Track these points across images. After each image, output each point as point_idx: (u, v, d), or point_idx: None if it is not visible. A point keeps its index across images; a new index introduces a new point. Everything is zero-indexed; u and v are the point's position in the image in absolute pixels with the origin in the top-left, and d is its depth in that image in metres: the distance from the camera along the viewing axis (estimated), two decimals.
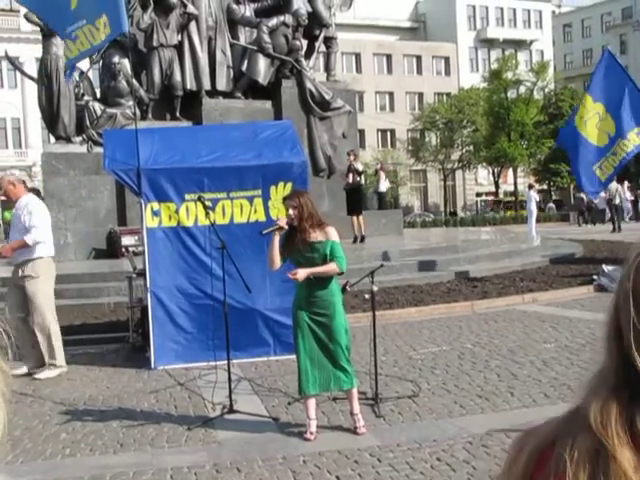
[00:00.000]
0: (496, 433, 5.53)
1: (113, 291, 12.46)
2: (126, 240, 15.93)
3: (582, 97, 14.16)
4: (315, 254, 5.59)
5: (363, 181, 18.80)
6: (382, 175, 23.22)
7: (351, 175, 18.05)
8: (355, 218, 17.94)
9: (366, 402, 6.27)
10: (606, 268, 12.79)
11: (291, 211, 5.61)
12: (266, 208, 8.41)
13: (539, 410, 6.09)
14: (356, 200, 18.07)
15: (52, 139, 18.58)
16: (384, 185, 23.13)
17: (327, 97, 19.78)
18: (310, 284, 5.57)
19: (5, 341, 0.92)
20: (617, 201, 29.18)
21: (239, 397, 6.68)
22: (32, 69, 24.55)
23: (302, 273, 5.52)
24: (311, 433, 5.64)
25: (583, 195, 27.02)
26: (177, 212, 8.27)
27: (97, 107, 17.72)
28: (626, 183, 31.67)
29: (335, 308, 5.64)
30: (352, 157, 18.33)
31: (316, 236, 5.62)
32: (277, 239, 5.62)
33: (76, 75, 17.88)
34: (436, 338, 9.34)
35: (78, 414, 6.60)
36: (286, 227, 5.59)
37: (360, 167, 18.56)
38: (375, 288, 6.25)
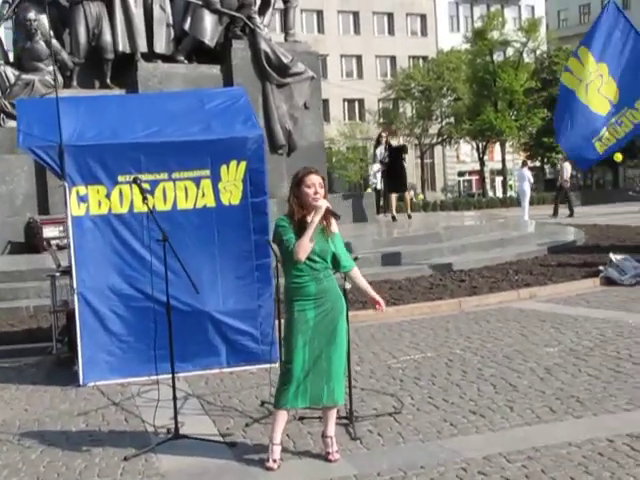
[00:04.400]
0: (495, 457, 5.41)
1: (33, 292, 12.24)
2: (49, 231, 15.77)
3: (579, 53, 13.97)
4: (330, 246, 5.49)
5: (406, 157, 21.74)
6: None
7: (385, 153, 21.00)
8: (392, 196, 21.72)
9: (339, 422, 6.10)
10: (614, 257, 12.82)
11: (321, 190, 5.41)
12: (216, 191, 8.23)
13: (544, 427, 6.00)
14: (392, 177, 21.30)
15: None
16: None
17: (286, 60, 19.60)
18: (319, 280, 5.44)
19: None
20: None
21: (187, 418, 6.51)
22: None
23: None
24: (274, 461, 5.47)
25: None
26: (108, 197, 8.05)
27: (10, 72, 17.36)
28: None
29: (343, 303, 5.60)
30: (384, 134, 21.72)
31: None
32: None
33: None
34: (419, 343, 9.24)
35: None
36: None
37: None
38: (348, 285, 6.07)
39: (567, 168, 30.34)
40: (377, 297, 5.72)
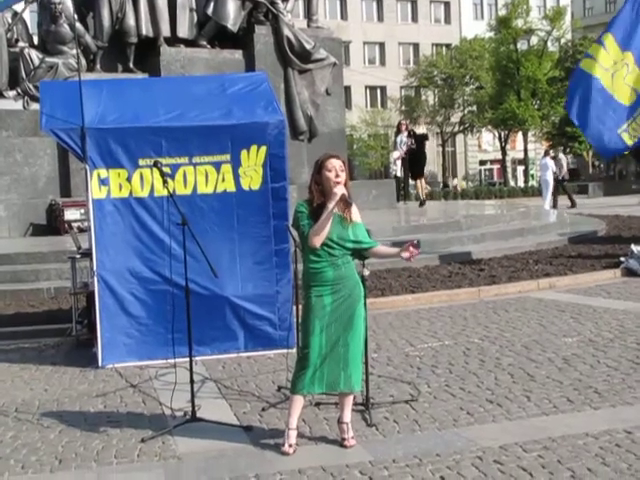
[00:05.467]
0: (511, 446, 5.38)
1: (54, 274, 12.29)
2: (70, 214, 15.85)
3: (603, 40, 13.71)
4: (349, 233, 5.44)
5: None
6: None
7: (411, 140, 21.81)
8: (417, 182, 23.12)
9: (355, 408, 6.10)
10: (635, 248, 12.69)
11: (342, 173, 5.40)
12: (236, 176, 8.22)
13: (561, 418, 5.97)
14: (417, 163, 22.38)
15: None
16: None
17: (308, 47, 19.55)
18: (337, 266, 5.42)
19: None
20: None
21: (203, 402, 6.52)
22: None
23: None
24: (290, 445, 5.47)
25: None
26: (129, 180, 8.05)
27: (34, 55, 17.40)
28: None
29: (360, 290, 5.57)
30: (404, 122, 23.23)
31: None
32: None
33: (8, 17, 17.52)
34: (437, 331, 9.20)
35: (8, 423, 6.39)
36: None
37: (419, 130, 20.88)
38: (366, 272, 6.04)
39: (564, 160, 31.26)
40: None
